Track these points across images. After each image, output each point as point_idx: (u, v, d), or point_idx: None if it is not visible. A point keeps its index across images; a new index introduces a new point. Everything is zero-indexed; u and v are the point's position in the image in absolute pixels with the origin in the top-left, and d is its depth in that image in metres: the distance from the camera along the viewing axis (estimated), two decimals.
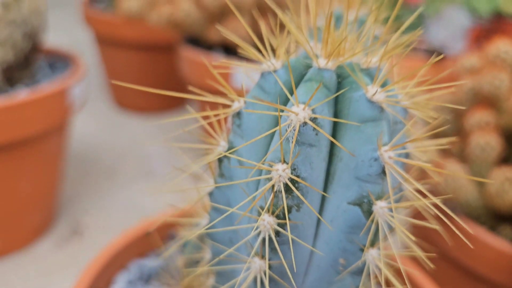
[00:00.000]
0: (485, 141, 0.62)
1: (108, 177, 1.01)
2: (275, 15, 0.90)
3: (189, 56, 0.89)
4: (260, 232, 0.25)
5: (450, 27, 1.23)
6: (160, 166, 1.08)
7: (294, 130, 0.23)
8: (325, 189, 0.26)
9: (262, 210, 0.25)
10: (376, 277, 0.26)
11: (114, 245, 0.51)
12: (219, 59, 0.89)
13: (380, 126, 0.24)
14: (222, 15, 0.85)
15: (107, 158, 1.09)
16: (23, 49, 0.67)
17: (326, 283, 0.27)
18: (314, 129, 0.24)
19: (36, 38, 0.69)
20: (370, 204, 0.25)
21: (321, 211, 0.26)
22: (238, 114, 0.27)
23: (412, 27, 1.22)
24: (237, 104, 0.27)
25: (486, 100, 0.66)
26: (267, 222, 0.25)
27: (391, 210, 0.25)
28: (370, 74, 0.27)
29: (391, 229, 0.28)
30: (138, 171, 1.05)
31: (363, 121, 0.24)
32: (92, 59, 1.57)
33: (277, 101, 0.26)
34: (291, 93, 0.25)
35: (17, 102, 0.64)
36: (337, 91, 0.25)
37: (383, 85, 0.25)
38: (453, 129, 0.73)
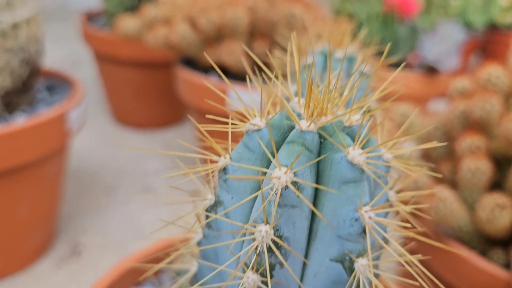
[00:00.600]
0: (475, 167, 0.62)
1: (106, 194, 1.02)
2: (269, 37, 0.91)
3: (185, 77, 0.90)
4: None
5: (445, 42, 1.24)
6: (158, 182, 1.09)
7: (276, 193, 0.24)
8: (308, 245, 0.26)
9: (247, 268, 0.25)
10: None
11: (110, 275, 0.51)
12: (215, 81, 0.89)
13: (361, 187, 0.25)
14: (217, 38, 0.85)
15: (106, 175, 1.09)
16: (21, 75, 0.68)
17: None
18: (297, 191, 0.24)
19: (33, 64, 0.70)
20: (352, 261, 0.25)
21: (304, 266, 0.27)
22: (224, 170, 0.28)
23: (406, 42, 1.24)
24: (223, 160, 0.28)
25: (477, 124, 0.66)
26: (251, 279, 0.25)
27: (374, 265, 0.26)
28: (353, 132, 0.27)
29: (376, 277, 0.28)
30: (136, 187, 1.05)
31: (344, 182, 0.25)
32: (92, 73, 1.58)
33: (261, 160, 0.27)
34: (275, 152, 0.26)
35: (15, 129, 0.65)
36: (320, 151, 0.26)
37: (365, 146, 0.26)
38: (446, 152, 0.73)
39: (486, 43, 1.81)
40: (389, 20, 1.21)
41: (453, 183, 0.70)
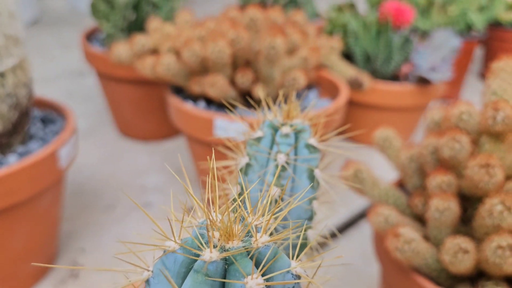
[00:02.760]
0: (443, 207, 0.63)
1: (105, 211, 1.06)
2: (252, 68, 0.92)
3: (175, 103, 0.92)
4: None
5: (440, 50, 1.22)
6: (157, 197, 1.12)
7: None
8: None
9: None
10: None
11: None
12: (202, 109, 0.91)
13: None
14: (202, 69, 0.87)
15: (106, 190, 1.13)
16: (10, 119, 0.71)
17: None
18: None
19: (22, 108, 0.73)
20: None
21: None
22: (147, 281, 0.30)
23: (400, 52, 1.23)
24: (146, 274, 0.30)
25: (447, 162, 0.67)
26: None
27: None
28: (258, 256, 0.29)
29: None
30: (136, 202, 1.09)
31: None
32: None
33: (177, 278, 0.29)
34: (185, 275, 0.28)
35: (6, 172, 0.68)
36: (225, 275, 0.28)
37: (274, 266, 0.28)
38: (420, 187, 0.74)
39: (488, 41, 1.77)
40: (383, 29, 1.20)
41: (424, 220, 0.71)
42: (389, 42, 1.20)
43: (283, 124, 0.45)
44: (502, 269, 0.57)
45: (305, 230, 0.47)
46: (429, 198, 0.66)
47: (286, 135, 0.44)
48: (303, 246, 0.48)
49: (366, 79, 1.10)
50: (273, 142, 0.45)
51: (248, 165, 0.45)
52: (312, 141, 0.45)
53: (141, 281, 0.30)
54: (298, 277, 0.30)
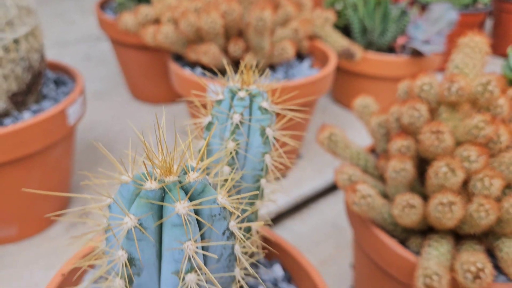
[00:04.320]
0: (400, 167, 0.70)
1: (114, 165, 1.17)
2: (243, 38, 0.98)
3: (175, 69, 1.00)
4: None
5: (437, 23, 1.26)
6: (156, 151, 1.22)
7: (128, 232, 0.36)
8: (160, 263, 0.38)
9: (117, 276, 0.38)
10: None
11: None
12: (198, 75, 0.99)
13: (183, 228, 0.36)
14: (197, 38, 0.94)
15: (116, 146, 1.24)
16: (24, 80, 0.81)
17: None
18: (142, 230, 0.36)
19: (34, 70, 0.82)
20: (183, 278, 0.37)
21: (159, 276, 0.39)
22: (109, 207, 0.40)
23: (397, 24, 1.30)
24: (108, 200, 0.39)
25: (406, 128, 0.74)
26: (119, 284, 0.38)
27: (201, 280, 0.37)
28: (188, 188, 0.38)
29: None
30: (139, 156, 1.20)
31: (174, 225, 0.36)
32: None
33: (129, 204, 0.38)
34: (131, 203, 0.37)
35: (22, 126, 0.79)
36: (163, 200, 0.37)
37: (194, 194, 0.37)
38: (386, 151, 0.81)
39: (496, 14, 1.77)
40: (382, 1, 1.24)
41: (384, 180, 0.79)
42: (385, 14, 1.25)
43: (240, 90, 0.53)
44: (442, 223, 0.65)
45: (258, 181, 0.56)
46: (389, 160, 0.74)
47: (242, 99, 0.53)
48: (260, 195, 0.57)
49: (357, 50, 1.15)
50: (231, 104, 0.53)
51: (210, 123, 0.54)
52: (265, 104, 0.53)
53: (105, 205, 0.40)
54: (224, 207, 0.39)
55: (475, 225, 0.66)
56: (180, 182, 0.38)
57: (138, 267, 0.38)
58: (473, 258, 0.62)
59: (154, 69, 1.34)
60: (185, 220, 0.36)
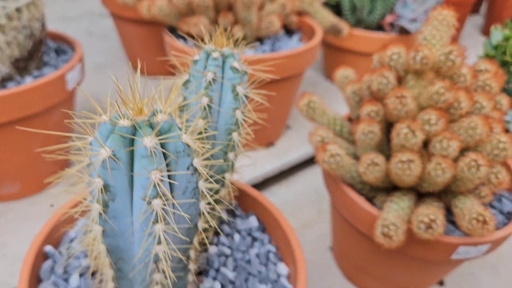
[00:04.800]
0: (368, 130, 0.76)
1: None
2: (232, 13, 1.03)
3: (168, 40, 1.06)
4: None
5: (425, 3, 1.30)
6: None
7: (102, 161, 0.42)
8: (132, 190, 0.45)
9: (96, 201, 0.45)
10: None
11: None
12: (190, 46, 1.05)
13: (151, 160, 0.42)
14: (189, 11, 1.00)
15: None
16: (26, 47, 0.88)
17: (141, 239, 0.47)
18: (116, 160, 0.42)
19: (35, 38, 0.89)
20: (150, 201, 0.43)
21: (131, 201, 0.45)
22: (90, 143, 0.46)
23: (386, 1, 1.36)
24: (90, 138, 0.46)
25: (376, 95, 0.79)
26: (96, 208, 0.45)
27: (166, 205, 0.44)
28: (155, 126, 0.44)
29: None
30: None
31: (142, 156, 0.42)
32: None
33: (105, 139, 0.45)
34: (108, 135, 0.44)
35: (24, 89, 0.86)
36: (134, 135, 0.43)
37: (161, 132, 0.43)
38: (358, 117, 0.87)
39: None
40: None
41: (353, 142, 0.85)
42: None
43: (214, 51, 0.59)
44: (401, 179, 0.71)
45: (230, 134, 0.62)
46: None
47: (215, 59, 0.58)
48: (232, 147, 0.63)
49: (344, 26, 1.20)
50: (206, 64, 0.59)
51: (187, 81, 0.60)
52: (236, 64, 0.59)
53: (87, 142, 0.46)
54: (187, 145, 0.46)
55: (433, 183, 0.72)
56: (149, 121, 0.44)
57: (112, 193, 0.44)
58: (427, 210, 0.68)
59: (153, 42, 1.40)
60: (151, 152, 0.42)
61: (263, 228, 0.76)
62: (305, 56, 1.04)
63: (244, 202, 0.79)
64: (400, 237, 0.68)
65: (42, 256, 0.66)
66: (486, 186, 0.75)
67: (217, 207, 0.68)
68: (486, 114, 0.78)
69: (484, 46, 1.21)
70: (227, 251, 0.70)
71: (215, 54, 0.58)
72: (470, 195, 0.75)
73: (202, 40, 1.04)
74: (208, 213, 0.67)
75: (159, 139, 0.43)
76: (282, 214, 0.73)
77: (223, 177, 0.65)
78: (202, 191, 0.49)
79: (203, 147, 0.47)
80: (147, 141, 0.42)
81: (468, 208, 0.69)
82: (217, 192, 0.67)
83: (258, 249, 0.71)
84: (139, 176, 0.43)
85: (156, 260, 0.48)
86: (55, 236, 0.68)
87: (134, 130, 0.44)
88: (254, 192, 0.78)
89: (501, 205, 0.85)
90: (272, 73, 1.02)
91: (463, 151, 0.74)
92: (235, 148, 0.62)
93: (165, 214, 0.45)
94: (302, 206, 1.14)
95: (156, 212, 0.44)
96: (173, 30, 1.13)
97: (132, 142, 0.44)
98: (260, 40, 1.09)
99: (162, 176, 0.43)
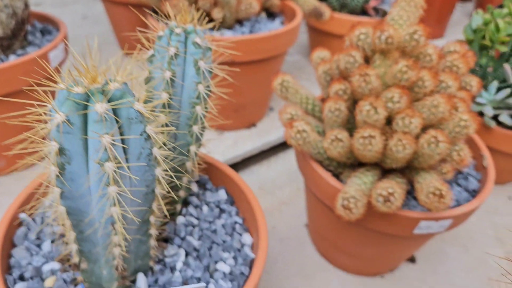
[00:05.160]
0: (334, 107, 0.79)
1: None
2: None
3: (151, 23, 1.08)
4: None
5: None
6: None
7: (58, 126, 0.45)
8: (87, 154, 0.48)
9: (52, 164, 0.47)
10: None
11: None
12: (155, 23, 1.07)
13: (102, 124, 0.45)
14: None
15: None
16: (8, 25, 0.90)
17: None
18: (69, 124, 0.45)
19: (18, 18, 0.91)
20: (102, 163, 0.46)
21: (87, 165, 0.48)
22: (50, 110, 0.49)
23: None
24: (49, 106, 0.49)
25: (344, 74, 0.81)
26: (53, 170, 0.47)
27: (118, 168, 0.47)
28: (108, 93, 0.47)
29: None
30: None
31: (95, 121, 0.45)
32: None
33: (62, 105, 0.47)
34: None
35: (8, 66, 0.88)
36: (88, 101, 0.46)
37: (113, 99, 0.46)
38: (327, 95, 0.89)
39: None
40: None
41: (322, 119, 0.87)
42: None
43: (177, 27, 0.62)
44: (363, 154, 0.73)
45: (193, 107, 0.64)
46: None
47: (177, 34, 0.61)
48: (195, 120, 0.66)
49: (326, 10, 1.22)
50: (169, 40, 0.62)
51: (152, 55, 0.63)
52: (198, 39, 0.61)
53: (48, 109, 0.49)
54: (140, 112, 0.48)
55: (395, 159, 0.74)
56: (102, 89, 0.47)
57: (68, 157, 0.47)
58: (386, 184, 0.71)
59: (140, 24, 1.42)
60: (102, 117, 0.45)
61: (232, 201, 0.79)
62: (284, 38, 1.06)
63: (215, 176, 0.82)
64: (359, 210, 0.71)
65: (17, 224, 0.69)
66: (448, 163, 0.78)
67: (185, 178, 0.71)
68: (451, 93, 0.80)
69: (464, 30, 1.23)
70: (195, 221, 0.73)
71: (178, 30, 0.61)
72: (432, 171, 0.77)
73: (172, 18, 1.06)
74: (174, 183, 0.70)
75: (111, 105, 0.46)
76: (249, 187, 0.76)
77: (188, 150, 0.67)
78: (156, 157, 0.52)
79: (157, 116, 0.50)
80: (98, 106, 0.45)
81: (427, 182, 0.72)
82: (183, 164, 0.69)
83: (225, 220, 0.74)
84: (92, 140, 0.46)
85: (112, 222, 0.51)
86: (30, 205, 0.72)
87: (87, 97, 0.46)
88: (224, 167, 0.80)
89: (467, 183, 0.87)
90: (252, 54, 1.05)
91: (427, 129, 0.76)
92: (198, 121, 0.65)
93: (117, 177, 0.47)
94: (282, 185, 1.17)
95: (109, 174, 0.47)
96: (157, 12, 1.16)
97: (86, 108, 0.46)
98: (239, 22, 1.11)
99: (113, 140, 0.46)
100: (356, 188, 0.72)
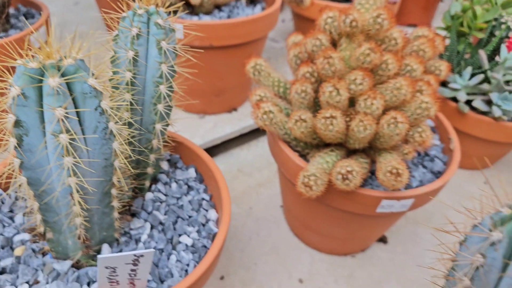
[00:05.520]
0: (301, 89, 0.81)
1: None
2: None
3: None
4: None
5: None
6: None
7: (13, 98, 0.48)
8: (44, 128, 0.50)
9: (11, 136, 0.50)
10: None
11: None
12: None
13: (56, 98, 0.48)
14: None
15: None
16: None
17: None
18: (24, 97, 0.48)
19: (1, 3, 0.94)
20: (57, 135, 0.49)
21: (44, 136, 0.51)
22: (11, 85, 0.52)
23: None
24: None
25: (311, 56, 0.83)
26: (11, 141, 0.50)
27: (71, 140, 0.49)
28: (61, 68, 0.49)
29: None
30: None
31: (48, 95, 0.48)
32: None
33: (20, 81, 0.50)
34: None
35: None
36: (43, 76, 0.49)
37: (67, 74, 0.49)
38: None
39: None
40: None
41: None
42: None
43: (139, 8, 0.64)
44: (325, 134, 0.76)
45: (157, 86, 0.67)
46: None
47: (140, 15, 0.63)
48: (158, 98, 0.68)
49: None
50: (132, 21, 0.64)
51: (116, 36, 0.65)
52: (159, 20, 0.64)
53: (8, 84, 0.52)
54: (95, 88, 0.51)
55: (357, 139, 0.77)
56: (57, 64, 0.49)
57: (25, 128, 0.50)
58: (345, 163, 0.73)
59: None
60: (55, 91, 0.47)
61: (201, 179, 0.82)
62: (262, 23, 1.08)
63: (186, 155, 0.85)
64: (319, 188, 0.73)
65: None
66: (410, 144, 0.80)
67: (152, 155, 0.74)
68: (417, 77, 0.82)
69: (443, 17, 1.24)
70: (163, 197, 0.76)
71: (140, 11, 0.63)
72: (394, 152, 0.79)
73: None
74: (142, 160, 0.73)
75: (64, 80, 0.48)
76: (217, 166, 0.79)
77: (154, 127, 0.70)
78: (112, 131, 0.54)
79: (113, 91, 0.52)
80: (51, 81, 0.47)
81: (386, 162, 0.74)
82: (149, 141, 0.72)
83: (192, 197, 0.77)
84: (47, 112, 0.49)
85: (70, 191, 0.54)
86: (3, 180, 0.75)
87: (42, 72, 0.49)
88: (194, 147, 0.83)
89: (433, 165, 0.90)
90: (230, 39, 1.07)
91: (390, 110, 0.78)
92: (162, 100, 0.67)
93: (71, 148, 0.50)
94: (260, 167, 1.19)
95: (63, 145, 0.49)
96: None
97: (41, 82, 0.49)
98: (218, 7, 1.13)
99: (66, 113, 0.48)
100: (318, 167, 0.75)
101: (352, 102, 0.79)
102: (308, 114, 0.78)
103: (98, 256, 0.50)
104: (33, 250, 0.66)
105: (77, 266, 0.65)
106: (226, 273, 0.95)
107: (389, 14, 0.78)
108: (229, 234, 1.03)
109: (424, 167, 0.89)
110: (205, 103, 1.21)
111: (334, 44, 0.84)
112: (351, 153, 0.84)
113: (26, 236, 0.67)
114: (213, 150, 1.23)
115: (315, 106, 0.84)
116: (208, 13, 1.10)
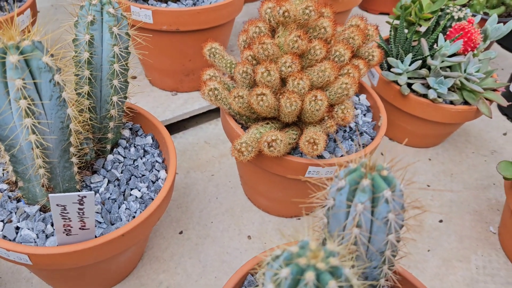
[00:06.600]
0: (243, 70, 0.94)
1: None
2: None
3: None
4: None
5: None
6: None
7: None
8: (8, 94, 0.64)
9: None
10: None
11: None
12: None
13: (14, 71, 0.61)
14: None
15: None
16: None
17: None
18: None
19: None
20: (17, 100, 0.63)
21: (9, 101, 0.65)
22: None
23: None
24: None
25: (253, 42, 0.96)
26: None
27: (29, 104, 0.63)
28: (19, 47, 0.63)
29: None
30: None
31: (10, 69, 0.61)
32: None
33: None
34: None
35: None
36: (6, 54, 0.62)
37: (25, 52, 0.62)
38: None
39: None
40: None
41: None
42: None
43: None
44: (257, 109, 0.89)
45: (112, 64, 0.80)
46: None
47: (94, 5, 0.76)
48: (112, 74, 0.82)
49: None
50: (87, 9, 0.77)
51: (76, 22, 0.78)
52: (110, 10, 0.77)
53: None
54: (47, 64, 0.64)
55: (287, 114, 0.90)
56: (17, 45, 0.63)
57: None
58: (271, 133, 0.86)
59: None
60: (14, 65, 0.61)
61: (157, 145, 0.96)
62: (225, 9, 1.20)
63: (145, 125, 0.98)
64: (250, 154, 0.87)
65: None
66: (334, 119, 0.93)
67: (111, 122, 0.88)
68: (345, 61, 0.94)
69: (396, 6, 1.35)
70: (121, 159, 0.90)
71: (94, 1, 0.76)
72: (318, 126, 0.92)
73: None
74: (104, 126, 0.86)
75: (22, 57, 0.62)
76: (168, 134, 0.93)
77: (111, 99, 0.84)
78: (65, 99, 0.68)
79: (72, 66, 0.66)
80: (11, 57, 0.61)
81: (307, 133, 0.87)
82: (108, 111, 0.86)
83: (147, 159, 0.91)
84: (10, 83, 0.63)
85: (32, 147, 0.68)
86: None
87: (5, 50, 0.63)
88: (151, 117, 0.97)
89: (361, 139, 1.02)
90: (196, 24, 1.19)
91: (317, 90, 0.91)
92: (115, 76, 0.81)
93: (29, 112, 0.64)
94: (225, 140, 1.33)
95: (23, 109, 0.63)
96: None
97: (4, 59, 0.63)
98: None
99: (24, 83, 0.62)
100: (250, 136, 0.88)
101: (284, 82, 0.91)
102: (245, 91, 0.91)
103: (50, 195, 0.65)
104: (9, 197, 0.80)
105: (44, 210, 0.79)
106: (185, 229, 1.10)
107: (316, 6, 0.90)
108: (191, 196, 1.17)
109: (352, 140, 1.02)
110: (176, 82, 1.34)
111: (274, 31, 0.96)
112: (285, 126, 0.97)
113: (4, 186, 0.82)
114: (185, 123, 1.37)
115: (255, 85, 0.97)
116: (175, 1, 1.23)
